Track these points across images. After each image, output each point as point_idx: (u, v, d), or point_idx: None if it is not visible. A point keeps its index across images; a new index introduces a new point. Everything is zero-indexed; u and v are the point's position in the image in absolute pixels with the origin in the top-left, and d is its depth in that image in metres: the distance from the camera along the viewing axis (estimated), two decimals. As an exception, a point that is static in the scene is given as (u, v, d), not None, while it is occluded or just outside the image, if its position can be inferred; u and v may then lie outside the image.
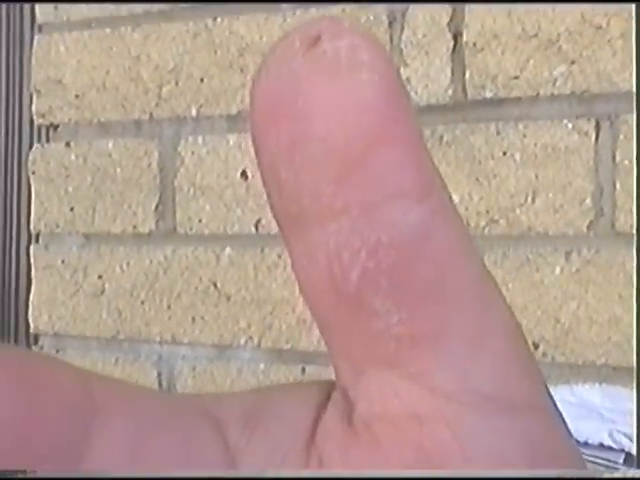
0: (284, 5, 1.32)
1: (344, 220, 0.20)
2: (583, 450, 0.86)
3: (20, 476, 0.18)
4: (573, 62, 1.17)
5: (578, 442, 0.86)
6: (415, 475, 0.20)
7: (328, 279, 0.20)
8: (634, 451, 0.93)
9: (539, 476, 0.21)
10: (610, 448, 0.92)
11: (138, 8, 1.45)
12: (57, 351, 1.50)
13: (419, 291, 0.20)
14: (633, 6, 1.07)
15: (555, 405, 0.22)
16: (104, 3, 1.46)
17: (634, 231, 1.13)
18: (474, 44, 1.21)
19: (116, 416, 0.19)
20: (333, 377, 0.22)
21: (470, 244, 0.21)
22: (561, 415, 0.22)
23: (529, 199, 1.18)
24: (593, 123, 1.16)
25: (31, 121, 1.55)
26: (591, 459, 0.87)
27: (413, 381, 0.21)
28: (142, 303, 1.42)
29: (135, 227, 1.44)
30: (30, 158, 1.54)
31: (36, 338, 1.54)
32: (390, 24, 1.24)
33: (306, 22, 0.20)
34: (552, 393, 0.22)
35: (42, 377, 0.19)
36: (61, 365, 0.19)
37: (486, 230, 1.16)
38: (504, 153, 1.19)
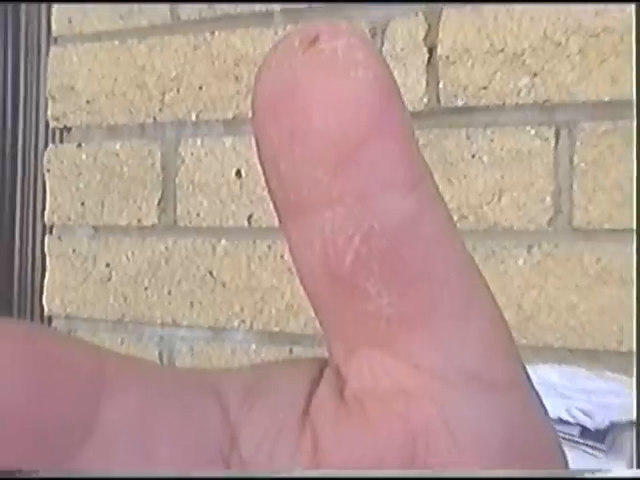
0: (276, 20, 1.32)
1: (339, 208, 0.19)
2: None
3: (20, 476, 0.18)
4: (536, 75, 1.17)
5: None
6: (416, 475, 0.20)
7: (323, 263, 0.20)
8: (589, 425, 0.92)
9: (540, 476, 0.20)
10: (567, 422, 0.92)
11: (144, 22, 1.44)
12: (69, 332, 1.50)
13: (408, 275, 0.20)
14: (633, 6, 1.06)
15: (532, 383, 0.21)
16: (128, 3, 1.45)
17: (590, 227, 1.13)
18: (447, 57, 1.21)
19: (125, 388, 0.18)
20: (322, 355, 0.22)
21: (456, 232, 0.21)
22: (537, 392, 0.21)
23: (495, 197, 1.18)
24: (553, 130, 1.16)
25: (46, 124, 1.55)
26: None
27: (401, 359, 0.20)
28: (145, 289, 1.42)
29: (139, 220, 1.44)
30: (45, 157, 1.54)
31: (50, 320, 1.54)
32: (372, 38, 1.23)
33: (305, 24, 0.20)
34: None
35: (55, 350, 0.18)
36: (74, 340, 0.19)
37: (457, 225, 1.16)
38: (473, 156, 1.19)
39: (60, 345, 0.18)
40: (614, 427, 0.93)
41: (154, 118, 1.43)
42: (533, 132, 1.16)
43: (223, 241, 1.36)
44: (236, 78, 1.35)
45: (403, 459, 0.19)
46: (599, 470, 0.90)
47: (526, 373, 0.21)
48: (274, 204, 0.21)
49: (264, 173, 0.20)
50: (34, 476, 0.18)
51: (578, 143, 1.14)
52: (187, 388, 0.19)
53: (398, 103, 0.20)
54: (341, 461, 0.19)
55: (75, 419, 0.18)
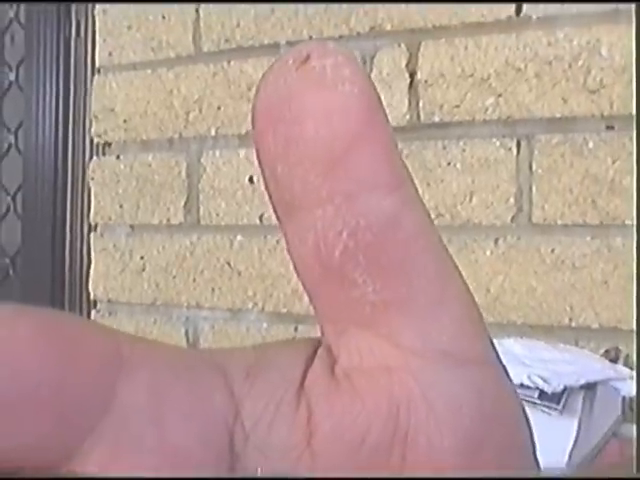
0: (282, 50, 1.31)
1: (329, 207, 0.18)
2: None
3: (21, 476, 0.17)
4: (500, 95, 1.16)
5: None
6: (415, 475, 0.19)
7: (315, 255, 0.19)
8: (546, 389, 0.92)
9: (540, 476, 0.20)
10: (528, 387, 0.91)
11: (172, 54, 1.44)
12: (110, 314, 1.50)
13: (390, 266, 0.19)
14: (633, 6, 1.04)
15: (499, 358, 0.20)
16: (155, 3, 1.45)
17: (546, 223, 1.13)
18: (426, 81, 1.21)
19: (140, 368, 0.17)
20: (319, 335, 0.21)
21: (433, 228, 0.20)
22: (504, 366, 0.20)
23: (467, 198, 1.17)
24: (515, 141, 1.15)
25: (91, 140, 1.56)
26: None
27: (385, 339, 0.19)
28: (174, 277, 1.42)
29: (168, 220, 1.44)
30: (90, 168, 1.55)
31: (95, 303, 1.54)
32: (362, 65, 1.23)
33: (298, 45, 0.19)
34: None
35: (74, 333, 0.17)
36: (92, 324, 0.18)
37: (435, 222, 1.16)
38: (448, 163, 1.19)
39: (79, 328, 0.17)
40: (567, 390, 0.92)
41: (180, 134, 1.43)
42: (498, 143, 1.16)
43: (239, 237, 1.36)
44: (249, 99, 1.35)
45: (387, 426, 0.19)
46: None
47: (495, 349, 0.20)
48: (272, 203, 0.20)
49: (263, 176, 0.20)
50: (35, 476, 0.17)
51: (536, 152, 1.14)
52: (195, 367, 0.19)
53: (381, 114, 0.19)
54: (332, 429, 0.19)
55: (94, 397, 0.17)
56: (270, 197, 0.20)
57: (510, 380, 0.21)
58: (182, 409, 0.18)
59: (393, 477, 0.19)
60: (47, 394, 0.16)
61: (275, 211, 0.20)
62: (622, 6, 1.07)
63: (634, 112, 1.02)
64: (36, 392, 0.16)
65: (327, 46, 0.19)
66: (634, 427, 0.93)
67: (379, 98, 0.19)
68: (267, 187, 0.20)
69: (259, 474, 0.18)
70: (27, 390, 0.16)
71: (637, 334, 0.92)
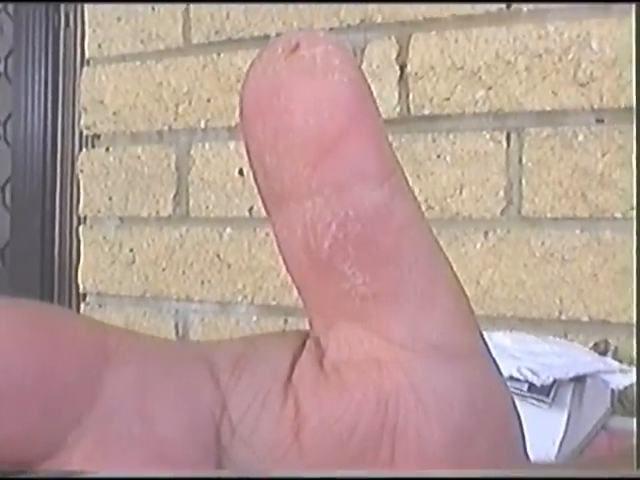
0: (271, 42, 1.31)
1: (318, 198, 0.18)
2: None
3: (21, 476, 0.16)
4: (490, 88, 1.16)
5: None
6: (415, 475, 0.19)
7: (304, 247, 0.19)
8: (535, 381, 0.92)
9: (541, 476, 0.20)
10: (518, 380, 0.91)
11: (161, 46, 1.44)
12: (99, 306, 1.50)
13: (380, 258, 0.19)
14: (633, 6, 1.03)
15: (490, 351, 0.20)
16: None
17: (536, 216, 1.13)
18: (416, 74, 1.20)
19: (126, 361, 0.17)
20: (308, 328, 0.21)
21: (423, 220, 0.20)
22: (494, 359, 0.20)
23: (457, 191, 1.17)
24: (505, 134, 1.15)
25: (80, 132, 1.55)
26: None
27: (374, 332, 0.19)
28: (163, 270, 1.42)
29: (158, 212, 1.43)
30: (79, 160, 1.54)
31: (84, 296, 1.54)
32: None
33: (287, 33, 0.19)
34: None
35: (61, 326, 0.17)
36: (78, 316, 0.18)
37: (424, 215, 1.16)
38: (438, 156, 1.19)
39: (65, 321, 0.17)
40: (557, 383, 0.92)
41: (169, 126, 1.42)
42: (488, 136, 1.16)
43: (228, 229, 1.35)
44: (238, 92, 1.33)
45: (376, 420, 0.18)
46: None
47: (484, 342, 0.20)
48: (261, 195, 0.20)
49: (251, 167, 0.19)
50: (34, 476, 0.17)
51: (526, 145, 1.14)
52: (182, 359, 0.18)
53: (371, 104, 0.19)
54: (320, 422, 0.18)
55: (80, 390, 0.16)
56: (259, 188, 0.19)
57: (500, 373, 0.21)
58: (169, 402, 0.17)
59: (393, 477, 0.19)
60: (31, 386, 0.16)
61: (264, 203, 0.20)
62: (612, -1, 1.07)
63: (634, 105, 1.01)
64: (20, 384, 0.16)
65: (317, 35, 0.19)
66: (634, 424, 0.93)
67: (369, 88, 0.19)
68: (255, 178, 0.19)
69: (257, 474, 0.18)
70: (11, 382, 0.16)
71: (637, 328, 0.92)
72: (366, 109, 0.18)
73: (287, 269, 0.20)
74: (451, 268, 0.20)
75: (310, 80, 0.18)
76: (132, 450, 0.17)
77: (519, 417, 0.21)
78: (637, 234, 0.91)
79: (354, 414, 0.18)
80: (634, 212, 1.04)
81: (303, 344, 0.20)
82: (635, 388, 0.99)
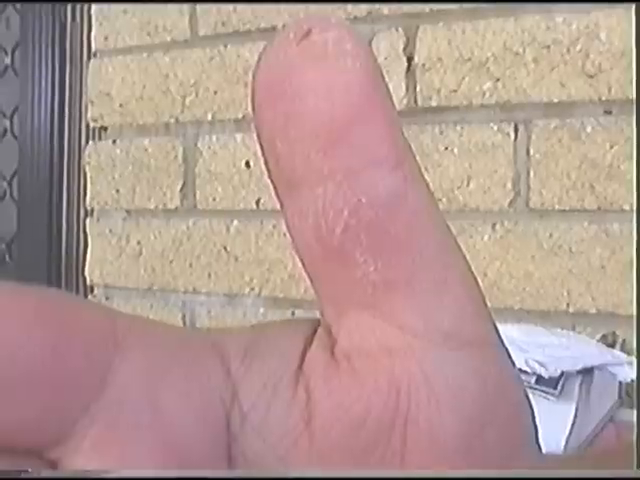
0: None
1: (330, 184, 0.18)
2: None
3: (23, 476, 0.16)
4: (498, 80, 1.16)
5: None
6: (415, 475, 0.18)
7: (316, 234, 0.19)
8: (543, 374, 0.92)
9: (544, 476, 0.19)
10: (525, 372, 0.91)
11: (168, 38, 1.44)
12: (106, 298, 1.50)
13: (392, 245, 0.18)
14: (633, 6, 1.03)
15: (502, 340, 0.20)
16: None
17: (544, 208, 1.12)
18: (423, 65, 1.20)
19: (136, 347, 0.17)
20: (318, 316, 0.20)
21: (435, 207, 0.19)
22: (506, 348, 0.20)
23: (464, 183, 1.17)
24: (512, 126, 1.15)
25: (87, 124, 1.55)
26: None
27: (386, 320, 0.19)
28: (170, 262, 1.42)
29: (165, 204, 1.43)
30: (86, 152, 1.54)
31: (92, 288, 1.54)
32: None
33: (299, 19, 0.19)
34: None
35: (70, 312, 0.17)
36: (88, 303, 0.18)
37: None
38: (446, 148, 1.18)
39: (75, 307, 0.17)
40: (564, 375, 0.92)
41: (176, 118, 1.42)
42: (496, 128, 1.16)
43: (235, 221, 1.35)
44: (245, 84, 1.34)
45: (387, 408, 0.18)
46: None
47: (497, 331, 0.20)
48: (272, 181, 0.19)
49: (262, 153, 0.19)
50: (37, 476, 0.16)
51: (533, 137, 1.14)
52: (192, 347, 0.18)
53: (383, 89, 0.18)
54: (331, 411, 0.18)
55: (89, 376, 0.16)
56: (270, 175, 0.19)
57: (513, 363, 0.20)
58: (178, 389, 0.17)
59: (393, 477, 0.18)
60: (41, 372, 0.16)
61: (275, 189, 0.19)
62: (621, -10, 1.07)
63: (634, 113, 1.01)
64: (30, 370, 0.16)
65: (329, 20, 0.18)
66: (634, 420, 0.92)
67: (381, 73, 0.19)
68: (267, 164, 0.19)
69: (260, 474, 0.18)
70: (21, 368, 0.16)
71: (637, 319, 0.92)
72: (378, 94, 0.18)
73: (298, 256, 0.20)
74: (463, 256, 0.20)
75: (322, 65, 0.18)
76: (141, 437, 0.17)
77: (531, 407, 0.20)
78: (637, 229, 0.91)
79: (365, 403, 0.18)
80: (634, 201, 1.03)
81: (314, 332, 0.20)
82: (635, 387, 0.98)
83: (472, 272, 0.20)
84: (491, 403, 0.19)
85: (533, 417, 0.20)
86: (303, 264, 0.20)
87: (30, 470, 0.16)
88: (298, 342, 0.19)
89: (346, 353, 0.19)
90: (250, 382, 0.18)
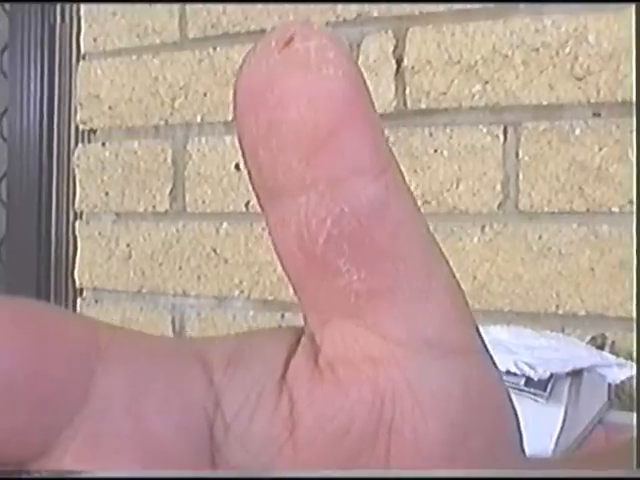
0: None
1: (312, 193, 0.18)
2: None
3: (23, 476, 0.16)
4: (487, 82, 1.16)
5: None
6: (415, 475, 0.18)
7: (299, 243, 0.18)
8: (532, 376, 0.92)
9: (541, 476, 0.19)
10: (515, 374, 0.91)
11: (157, 40, 1.44)
12: (96, 301, 1.50)
13: (375, 254, 0.18)
14: (633, 6, 1.03)
15: (486, 346, 0.20)
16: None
17: (533, 210, 1.13)
18: (412, 68, 1.20)
19: (118, 358, 0.17)
20: (303, 324, 0.20)
21: (419, 214, 0.19)
22: (490, 354, 0.20)
23: (454, 185, 1.17)
24: (502, 128, 1.15)
25: (76, 127, 1.55)
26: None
27: (369, 329, 0.19)
28: (160, 265, 1.42)
29: (154, 207, 1.43)
30: (75, 155, 1.54)
31: (81, 291, 1.54)
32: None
33: (281, 26, 0.18)
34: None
35: (52, 323, 0.17)
36: (70, 314, 0.18)
37: (421, 209, 1.16)
38: (435, 151, 1.19)
39: (56, 318, 0.17)
40: (553, 377, 0.92)
41: (166, 121, 1.42)
42: (485, 130, 1.16)
43: (225, 224, 1.35)
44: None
45: (371, 417, 0.18)
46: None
47: (481, 338, 0.20)
48: (254, 190, 0.19)
49: (245, 162, 0.19)
50: (35, 476, 0.16)
51: (522, 139, 1.14)
52: (175, 357, 0.18)
53: (365, 98, 0.18)
54: (315, 420, 0.18)
55: (71, 387, 0.16)
56: (252, 184, 0.19)
57: (497, 368, 0.20)
58: (161, 399, 0.17)
59: (393, 477, 0.18)
60: (22, 385, 0.16)
61: (257, 198, 0.19)
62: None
63: (634, 112, 1.01)
64: (10, 383, 0.16)
65: (311, 28, 0.18)
66: (634, 421, 0.92)
67: (365, 82, 0.18)
68: (249, 173, 0.19)
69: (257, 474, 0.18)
70: (1, 379, 0.16)
71: (637, 319, 0.92)
72: (361, 103, 0.18)
73: (281, 265, 0.20)
74: (447, 264, 0.20)
75: (304, 74, 0.18)
76: (124, 448, 0.17)
77: (515, 413, 0.20)
78: (637, 229, 0.90)
79: (349, 412, 0.18)
80: (634, 207, 1.04)
81: (298, 341, 0.20)
82: (635, 387, 0.99)
83: (455, 279, 0.20)
84: (475, 410, 0.19)
85: (517, 423, 0.20)
86: (286, 273, 0.20)
87: (30, 470, 0.16)
88: (282, 350, 0.19)
89: (330, 362, 0.19)
90: (233, 391, 0.18)
